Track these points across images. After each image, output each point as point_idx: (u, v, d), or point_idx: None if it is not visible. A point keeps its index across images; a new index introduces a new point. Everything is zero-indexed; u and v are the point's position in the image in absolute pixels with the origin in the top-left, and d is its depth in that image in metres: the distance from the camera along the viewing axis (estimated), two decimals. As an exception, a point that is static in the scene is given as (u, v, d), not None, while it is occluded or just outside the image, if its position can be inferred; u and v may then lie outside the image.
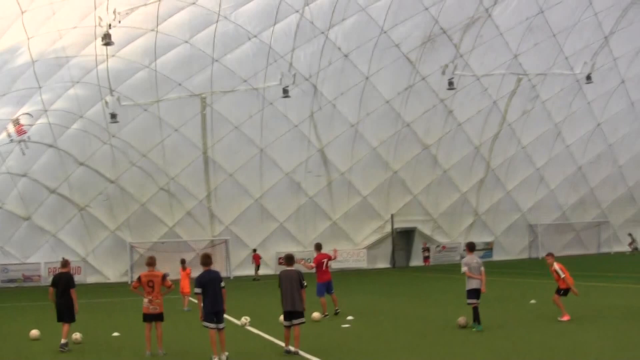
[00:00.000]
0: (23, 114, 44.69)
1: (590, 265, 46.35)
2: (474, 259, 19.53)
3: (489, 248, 60.59)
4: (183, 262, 32.12)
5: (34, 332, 21.26)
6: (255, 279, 51.99)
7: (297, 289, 16.36)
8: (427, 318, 22.05)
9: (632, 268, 43.92)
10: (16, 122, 44.79)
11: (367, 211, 57.23)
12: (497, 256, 60.60)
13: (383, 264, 57.83)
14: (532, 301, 24.73)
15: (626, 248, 64.60)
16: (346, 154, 54.57)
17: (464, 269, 19.20)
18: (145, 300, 17.11)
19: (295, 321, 16.35)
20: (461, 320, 19.43)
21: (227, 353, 15.57)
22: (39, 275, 53.57)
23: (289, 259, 17.34)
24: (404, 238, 59.25)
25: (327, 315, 23.42)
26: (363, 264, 56.48)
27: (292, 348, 16.14)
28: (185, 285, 29.92)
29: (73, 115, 47.52)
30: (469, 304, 19.11)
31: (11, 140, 46.09)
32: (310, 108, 51.62)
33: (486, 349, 15.46)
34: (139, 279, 17.34)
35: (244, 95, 49.86)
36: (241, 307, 26.07)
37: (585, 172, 62.54)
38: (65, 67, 44.02)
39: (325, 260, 25.84)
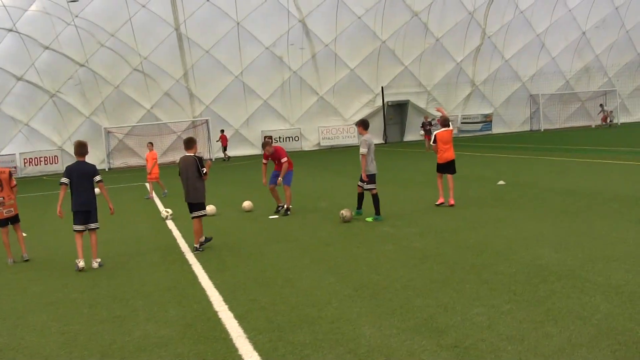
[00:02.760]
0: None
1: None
2: (372, 139, 18.18)
3: (487, 120, 60.28)
4: (151, 145, 31.55)
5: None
6: (225, 159, 52.81)
7: (195, 177, 15.27)
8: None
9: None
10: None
11: (355, 84, 56.88)
12: (496, 129, 60.44)
13: (375, 139, 57.00)
14: (501, 182, 23.75)
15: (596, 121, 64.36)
16: (330, 24, 53.85)
17: (363, 150, 17.51)
18: None
19: (194, 213, 15.48)
20: (345, 213, 17.72)
21: (98, 259, 14.42)
22: (15, 167, 54.15)
23: (187, 143, 15.80)
24: (397, 112, 58.80)
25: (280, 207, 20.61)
26: (354, 140, 56.35)
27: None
28: (155, 170, 29.50)
29: (30, -5, 46.91)
30: (367, 189, 17.80)
31: (-36, 27, 45.79)
32: (286, -24, 50.59)
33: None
34: None
35: (211, -38, 48.93)
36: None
37: (590, 38, 61.44)
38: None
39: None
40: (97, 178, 14.54)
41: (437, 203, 19.24)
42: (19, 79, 51.64)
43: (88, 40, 50.87)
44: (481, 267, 11.37)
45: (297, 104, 56.37)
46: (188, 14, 51.16)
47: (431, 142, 20.35)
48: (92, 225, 14.54)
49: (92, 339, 9.23)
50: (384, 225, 16.53)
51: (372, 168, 17.85)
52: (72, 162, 14.78)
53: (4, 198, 15.48)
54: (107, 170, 52.38)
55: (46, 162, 54.68)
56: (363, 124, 18.35)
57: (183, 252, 15.15)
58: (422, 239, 14.40)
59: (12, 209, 15.64)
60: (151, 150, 30.34)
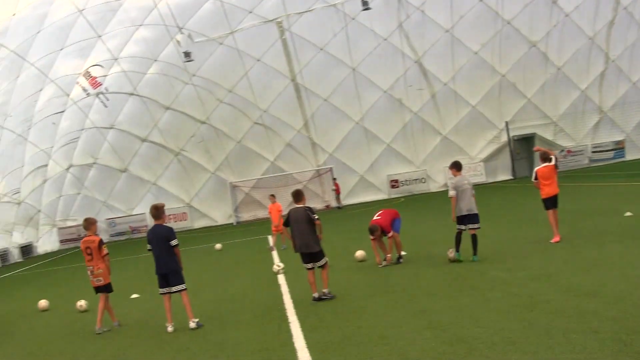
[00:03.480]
0: (92, 65, 45.69)
1: None
2: (463, 180, 18.18)
3: (620, 147, 57.55)
4: (273, 197, 31.31)
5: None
6: (339, 207, 52.52)
7: (308, 227, 15.08)
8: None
9: None
10: (87, 75, 45.88)
11: (478, 121, 55.25)
12: (630, 155, 57.51)
13: (504, 175, 55.83)
14: (628, 213, 22.30)
15: None
16: (446, 63, 52.84)
17: (451, 193, 17.89)
18: (88, 271, 15.76)
19: (317, 263, 15.47)
20: (450, 254, 18.04)
21: (196, 319, 14.22)
22: (145, 226, 55.44)
23: (297, 195, 15.85)
24: (524, 146, 56.78)
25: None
26: (482, 178, 54.93)
27: (317, 294, 15.23)
28: (275, 221, 29.26)
29: (147, 59, 48.36)
30: (465, 230, 17.89)
31: (88, 94, 47.38)
32: (397, 18, 50.19)
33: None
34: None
35: (322, 14, 49.09)
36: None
37: None
38: (119, 10, 44.64)
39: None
40: (173, 242, 14.35)
41: (552, 241, 18.50)
42: (143, 140, 53.12)
43: (207, 98, 51.86)
44: (591, 313, 10.37)
45: (420, 145, 55.37)
46: (303, 64, 51.42)
47: (532, 179, 19.60)
48: (174, 289, 14.35)
49: None
50: (496, 269, 15.58)
51: (461, 210, 17.92)
52: (151, 227, 14.75)
53: (93, 267, 15.40)
54: (234, 224, 52.92)
55: (175, 220, 55.65)
56: (455, 166, 18.55)
57: (286, 309, 14.61)
58: (533, 283, 13.39)
59: (101, 278, 15.43)
60: (274, 202, 30.07)
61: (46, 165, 49.59)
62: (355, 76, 52.19)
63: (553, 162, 19.30)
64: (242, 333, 12.87)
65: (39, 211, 51.52)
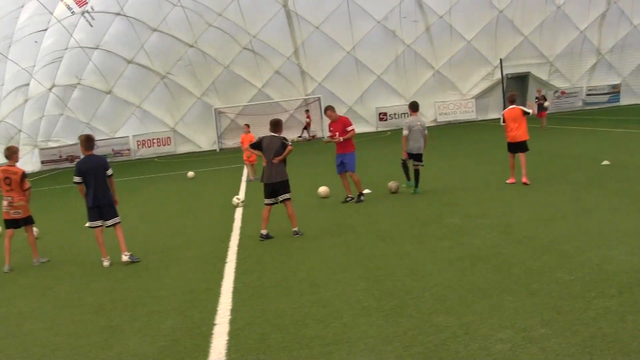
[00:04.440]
0: (76, -18, 44.39)
1: None
2: (417, 120, 19.13)
3: (615, 91, 56.41)
4: (247, 127, 30.20)
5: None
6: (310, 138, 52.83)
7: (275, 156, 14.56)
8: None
9: None
10: (72, -8, 44.59)
11: (473, 57, 54.09)
12: (625, 100, 56.36)
13: (494, 113, 54.30)
14: (605, 162, 21.25)
15: None
16: (443, -6, 51.43)
17: (404, 132, 18.87)
18: (4, 202, 14.71)
19: (280, 197, 14.71)
20: (392, 185, 19.52)
21: (129, 253, 13.56)
22: (129, 149, 54.72)
23: (276, 124, 15.01)
24: (517, 85, 55.40)
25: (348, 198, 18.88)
26: (472, 115, 54.10)
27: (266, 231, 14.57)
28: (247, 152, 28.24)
29: (133, -22, 46.79)
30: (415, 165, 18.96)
31: (73, 13, 46.04)
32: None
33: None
34: None
35: None
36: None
37: None
38: None
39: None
40: (109, 172, 13.62)
41: (507, 181, 18.67)
42: (129, 62, 51.95)
43: (196, 21, 50.51)
44: (537, 273, 9.59)
45: (412, 78, 54.19)
46: (295, -10, 49.94)
47: (501, 122, 19.38)
48: (109, 222, 13.59)
49: (68, 355, 8.23)
50: (454, 214, 14.80)
51: (413, 148, 18.77)
52: (82, 158, 13.78)
53: (12, 198, 14.40)
54: (217, 151, 52.13)
55: (159, 144, 54.90)
56: (411, 107, 19.74)
57: (229, 247, 13.88)
58: (487, 232, 12.59)
59: (20, 211, 14.48)
60: (247, 132, 28.98)
61: (27, 85, 48.38)
62: (349, 4, 50.78)
63: (519, 106, 18.83)
64: (175, 272, 12.18)
65: (20, 131, 50.58)
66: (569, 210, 14.11)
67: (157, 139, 54.88)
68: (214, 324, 8.74)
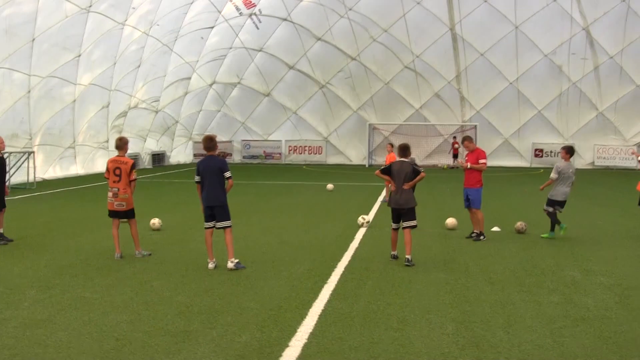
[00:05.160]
0: (248, -15, 45.26)
1: None
2: (570, 167, 17.91)
3: None
4: (391, 146, 29.76)
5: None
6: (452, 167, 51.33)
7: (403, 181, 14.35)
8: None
9: None
10: (243, -6, 45.45)
11: (640, 102, 51.87)
12: None
13: None
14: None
15: None
16: (617, 34, 49.07)
17: (553, 175, 17.81)
18: (110, 193, 14.84)
19: (406, 223, 14.41)
20: (519, 225, 18.69)
21: (235, 260, 13.51)
22: (280, 153, 55.54)
23: (405, 149, 14.73)
24: (687, 136, 52.94)
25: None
26: (632, 163, 51.68)
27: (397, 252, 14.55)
28: None
29: (305, -14, 47.38)
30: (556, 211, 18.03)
31: (240, 14, 46.97)
32: (571, -21, 46.98)
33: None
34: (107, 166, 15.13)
35: (492, -36, 46.59)
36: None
37: None
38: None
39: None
40: (227, 174, 13.53)
41: None
42: (291, 67, 52.90)
43: (361, 34, 50.82)
44: (643, 343, 8.81)
45: (573, 117, 52.38)
46: (464, 14, 49.16)
47: None
48: (219, 225, 13.54)
49: (136, 351, 8.25)
50: (577, 268, 13.89)
51: (558, 194, 17.91)
52: (202, 158, 13.88)
53: (118, 189, 14.55)
54: (366, 166, 52.07)
55: (310, 152, 55.52)
56: (568, 151, 18.24)
57: (336, 266, 13.59)
58: (603, 293, 11.69)
59: (123, 203, 14.63)
60: (391, 152, 28.47)
61: (189, 79, 49.79)
62: (517, 35, 49.60)
63: None
64: (272, 285, 11.98)
65: (177, 122, 52.11)
66: None
67: (309, 146, 55.52)
68: (287, 346, 8.49)
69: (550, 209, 17.76)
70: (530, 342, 8.79)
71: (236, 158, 56.49)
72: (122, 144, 14.84)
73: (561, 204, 17.86)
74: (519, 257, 15.03)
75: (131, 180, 14.65)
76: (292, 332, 9.11)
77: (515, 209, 24.68)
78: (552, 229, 17.66)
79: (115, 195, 14.58)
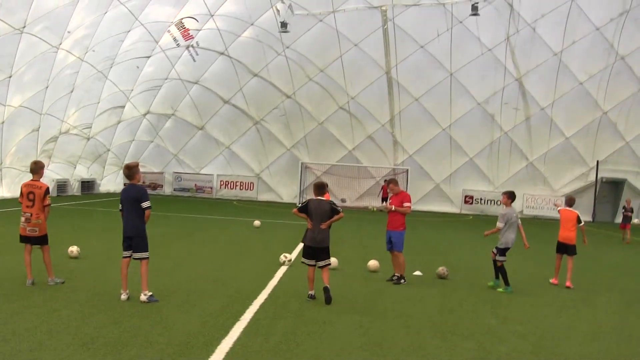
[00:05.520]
0: (186, 17, 44.99)
1: None
2: (513, 212, 17.80)
3: None
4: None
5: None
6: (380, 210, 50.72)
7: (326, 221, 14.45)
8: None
9: None
10: (180, 25, 45.21)
11: (569, 154, 52.49)
12: None
13: (583, 215, 51.71)
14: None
15: None
16: (548, 87, 50.02)
17: (499, 224, 17.47)
18: (22, 218, 14.35)
19: (322, 262, 14.49)
20: (441, 270, 18.77)
21: (149, 293, 13.21)
22: (211, 187, 55.21)
23: (321, 187, 15.14)
24: (611, 189, 53.78)
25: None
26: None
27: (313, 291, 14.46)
28: None
29: (243, 22, 47.32)
30: (498, 260, 17.50)
31: (177, 45, 46.76)
32: (506, 31, 47.75)
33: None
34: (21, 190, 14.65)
35: (429, 11, 47.17)
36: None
37: None
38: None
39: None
40: (145, 205, 13.20)
41: (550, 281, 18.95)
42: (226, 102, 52.77)
43: (297, 73, 50.92)
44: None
45: (504, 166, 53.08)
46: (400, 59, 49.54)
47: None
48: (136, 256, 13.27)
49: None
50: (494, 315, 13.97)
51: (509, 242, 17.53)
52: (124, 187, 13.75)
53: (31, 214, 14.13)
54: (297, 205, 51.79)
55: (241, 188, 55.35)
56: (510, 196, 18.03)
57: (252, 304, 13.38)
58: (517, 342, 11.75)
59: (36, 229, 14.17)
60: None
61: (123, 107, 49.19)
62: (452, 81, 50.17)
63: (574, 210, 19.48)
64: (183, 320, 11.69)
65: (109, 150, 51.40)
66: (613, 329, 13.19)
67: (241, 182, 55.35)
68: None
69: (504, 259, 17.37)
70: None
71: (167, 190, 55.84)
72: (37, 168, 14.45)
73: (504, 251, 17.53)
74: (437, 302, 15.03)
75: (45, 206, 14.18)
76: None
77: (440, 254, 24.84)
78: (507, 282, 17.22)
79: (27, 220, 14.12)
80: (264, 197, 54.82)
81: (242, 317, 12.13)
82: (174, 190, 55.53)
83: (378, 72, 50.79)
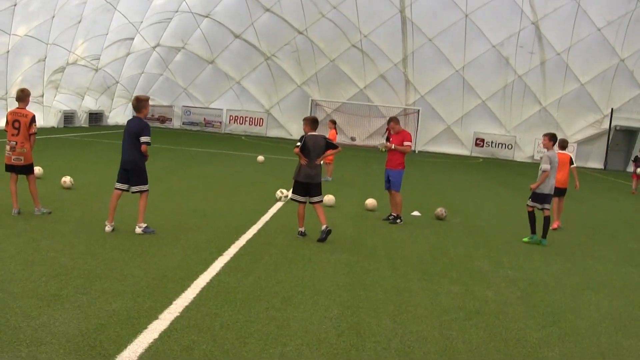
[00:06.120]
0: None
1: None
2: (556, 156, 16.50)
3: None
4: (333, 123, 28.75)
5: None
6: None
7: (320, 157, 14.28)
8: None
9: None
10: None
11: (583, 101, 51.57)
12: None
13: (595, 163, 52.25)
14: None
15: None
16: (565, 32, 48.95)
17: (545, 166, 15.94)
18: (7, 146, 14.06)
19: (315, 198, 14.26)
20: (439, 211, 18.42)
21: (144, 225, 13.10)
22: (220, 122, 54.83)
23: (314, 122, 14.65)
24: (625, 138, 53.14)
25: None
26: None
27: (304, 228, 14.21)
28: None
29: (255, -46, 46.53)
30: (540, 209, 16.15)
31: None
32: (523, -28, 46.82)
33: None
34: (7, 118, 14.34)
35: (446, -52, 46.22)
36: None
37: None
38: None
39: None
40: (143, 139, 12.90)
41: (551, 227, 17.34)
42: (237, 36, 52.07)
43: (310, 9, 50.10)
44: (529, 345, 8.51)
45: (517, 110, 52.38)
46: (415, -3, 48.93)
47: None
48: (134, 189, 13.09)
49: None
50: (487, 259, 13.64)
51: (547, 187, 16.23)
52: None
53: (16, 143, 13.79)
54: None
55: (251, 123, 54.95)
56: (552, 138, 16.58)
57: (237, 240, 13.11)
58: (506, 287, 11.46)
59: (21, 157, 13.86)
60: (332, 128, 28.01)
61: (132, 39, 48.55)
62: (466, 23, 49.26)
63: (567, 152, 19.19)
64: (165, 253, 11.53)
65: (117, 82, 50.97)
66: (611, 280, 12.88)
67: (250, 117, 54.92)
68: (157, 318, 8.01)
69: (538, 206, 16.27)
70: (416, 332, 8.43)
71: (176, 124, 55.51)
72: (23, 96, 14.05)
73: (547, 197, 16.37)
74: (430, 244, 14.77)
75: (30, 134, 13.82)
76: (167, 303, 8.63)
77: (442, 195, 24.55)
78: (534, 230, 16.27)
79: (12, 149, 13.82)
80: (273, 133, 54.44)
81: (226, 253, 11.92)
82: (183, 124, 55.19)
83: (392, 10, 49.82)
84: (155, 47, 51.80)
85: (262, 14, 50.84)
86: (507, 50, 50.54)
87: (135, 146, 12.96)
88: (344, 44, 51.68)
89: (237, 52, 53.02)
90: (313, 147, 14.14)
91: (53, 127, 41.86)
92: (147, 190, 13.22)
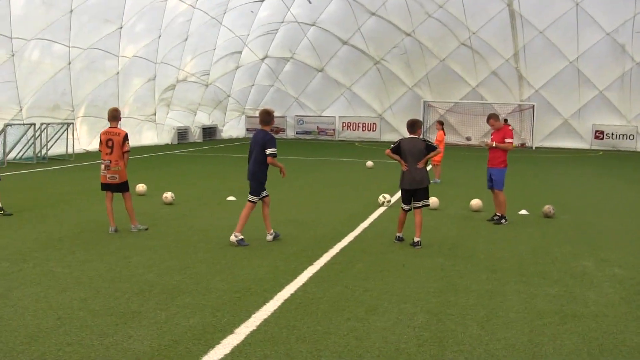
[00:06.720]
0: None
1: None
2: None
3: None
4: (440, 124, 28.50)
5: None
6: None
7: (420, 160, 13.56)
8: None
9: None
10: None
11: None
12: None
13: None
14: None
15: None
16: (687, 12, 46.86)
17: None
18: (102, 165, 14.32)
19: (419, 202, 13.69)
20: (546, 209, 17.60)
21: (240, 236, 13.06)
22: (334, 129, 54.90)
23: (414, 125, 13.86)
24: None
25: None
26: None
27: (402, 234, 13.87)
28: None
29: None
30: None
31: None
32: (636, -46, 44.91)
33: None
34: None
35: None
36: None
37: None
38: None
39: None
40: (269, 151, 13.12)
41: None
42: (344, 42, 52.16)
43: (416, 10, 49.54)
44: (629, 349, 7.96)
45: (637, 99, 50.12)
46: (529, -10, 47.60)
47: None
48: (252, 198, 13.42)
49: (69, 330, 7.57)
50: (592, 257, 12.87)
51: None
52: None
53: (110, 162, 13.98)
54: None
55: (364, 129, 54.87)
56: None
57: (331, 249, 12.82)
58: (610, 287, 10.74)
59: (116, 176, 14.03)
60: (439, 129, 27.38)
61: (240, 52, 49.30)
62: (578, 12, 47.62)
63: None
64: (254, 264, 11.37)
65: (229, 96, 51.71)
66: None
67: (363, 123, 54.88)
68: (232, 332, 7.82)
69: None
70: (503, 340, 7.91)
71: (290, 134, 56.02)
72: (114, 116, 14.24)
73: None
74: (534, 244, 14.04)
75: (124, 152, 14.00)
76: (246, 317, 8.43)
77: (554, 192, 23.60)
78: None
79: (107, 167, 14.01)
80: (387, 137, 53.97)
81: (317, 262, 11.67)
82: (296, 133, 55.60)
83: (499, 5, 48.65)
84: (264, 58, 52.37)
85: (367, 18, 50.65)
86: (622, 37, 48.47)
87: (258, 159, 13.17)
88: (453, 43, 50.89)
89: (346, 58, 53.08)
90: (410, 151, 13.54)
91: (167, 144, 42.79)
92: (253, 202, 13.35)
